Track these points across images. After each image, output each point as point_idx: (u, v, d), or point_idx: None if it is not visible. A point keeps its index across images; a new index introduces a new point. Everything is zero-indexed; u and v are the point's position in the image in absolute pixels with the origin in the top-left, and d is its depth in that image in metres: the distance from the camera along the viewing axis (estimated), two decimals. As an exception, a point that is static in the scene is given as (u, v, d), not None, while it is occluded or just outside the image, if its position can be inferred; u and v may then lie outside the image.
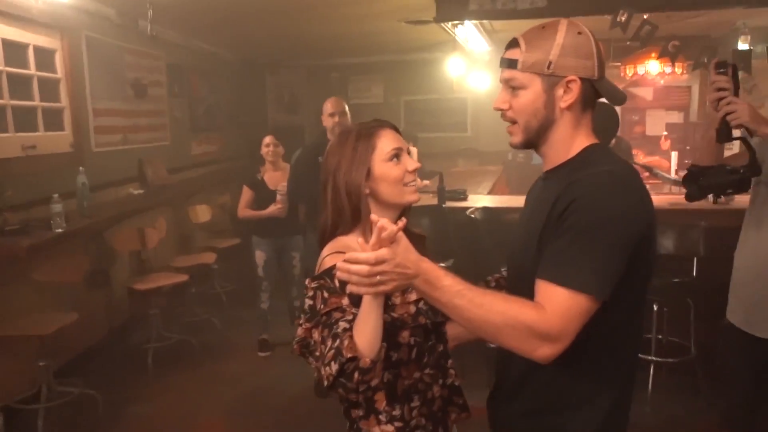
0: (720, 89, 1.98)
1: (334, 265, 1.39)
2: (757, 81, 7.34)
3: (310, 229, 4.15)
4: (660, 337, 3.81)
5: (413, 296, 1.44)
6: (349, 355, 1.23)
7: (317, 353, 1.34)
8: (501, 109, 1.39)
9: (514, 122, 1.38)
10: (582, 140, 1.36)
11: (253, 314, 5.01)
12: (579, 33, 1.31)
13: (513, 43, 1.36)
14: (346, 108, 4.02)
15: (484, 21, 5.38)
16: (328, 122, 3.95)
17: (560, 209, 1.24)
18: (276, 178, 4.56)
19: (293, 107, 8.76)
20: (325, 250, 1.49)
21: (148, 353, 4.33)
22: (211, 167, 6.91)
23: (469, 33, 5.57)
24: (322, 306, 1.36)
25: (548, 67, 1.29)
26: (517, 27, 5.61)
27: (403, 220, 1.22)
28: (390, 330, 1.36)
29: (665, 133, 6.64)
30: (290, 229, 4.56)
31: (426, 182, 5.74)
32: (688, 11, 4.12)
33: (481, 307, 1.19)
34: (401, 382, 1.45)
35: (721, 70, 1.98)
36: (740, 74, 4.50)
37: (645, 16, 4.05)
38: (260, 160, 7.35)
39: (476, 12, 4.26)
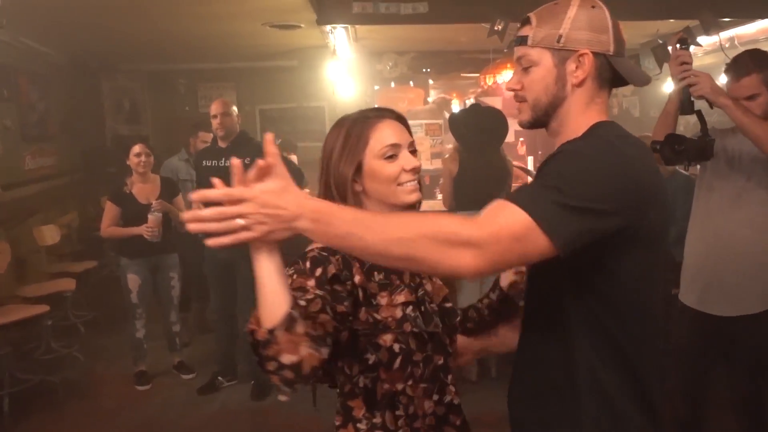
0: (683, 63, 2.12)
1: (312, 249, 1.29)
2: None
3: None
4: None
5: (401, 298, 1.33)
6: (249, 329, 1.05)
7: None
8: (514, 90, 1.33)
9: (524, 100, 1.31)
10: (593, 119, 1.29)
11: (118, 343, 4.52)
12: (593, 7, 1.26)
13: (525, 21, 1.30)
14: (233, 109, 3.96)
15: (350, 27, 5.37)
16: (213, 124, 3.92)
17: (545, 162, 1.21)
18: (146, 191, 4.13)
19: (135, 116, 8.06)
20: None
21: (2, 400, 3.67)
22: (48, 183, 6.10)
23: (339, 39, 5.51)
24: None
25: (558, 41, 1.24)
26: (382, 34, 5.67)
27: (273, 153, 1.02)
28: (371, 331, 1.27)
29: (522, 138, 7.08)
30: (165, 246, 4.13)
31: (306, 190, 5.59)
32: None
33: (386, 226, 1.04)
34: (381, 386, 1.30)
35: (683, 46, 2.12)
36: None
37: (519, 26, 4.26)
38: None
39: (359, 16, 4.20)
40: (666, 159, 2.21)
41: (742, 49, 4.12)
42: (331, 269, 1.25)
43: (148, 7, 4.61)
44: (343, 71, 6.95)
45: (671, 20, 4.70)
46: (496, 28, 4.22)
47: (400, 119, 1.41)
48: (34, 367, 4.15)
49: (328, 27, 4.61)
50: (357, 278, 1.29)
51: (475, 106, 4.04)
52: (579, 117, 1.28)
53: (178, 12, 4.86)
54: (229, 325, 4.03)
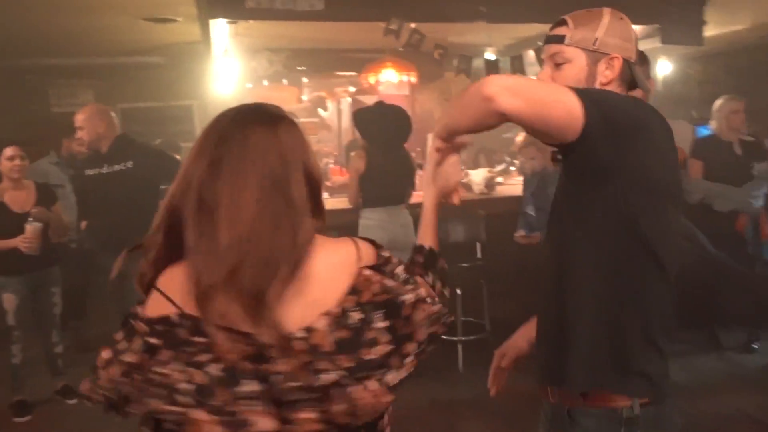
0: None
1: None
2: (454, 91, 8.51)
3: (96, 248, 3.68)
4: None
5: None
6: None
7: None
8: None
9: None
10: None
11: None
12: (621, 18, 1.41)
13: (560, 23, 1.43)
14: (104, 114, 3.71)
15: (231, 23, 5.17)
16: (78, 135, 3.69)
17: None
18: (21, 198, 3.69)
19: (-25, 117, 7.15)
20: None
21: None
22: None
23: (219, 35, 5.27)
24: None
25: (594, 43, 1.38)
26: (260, 31, 5.51)
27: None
28: None
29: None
30: (46, 259, 3.72)
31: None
32: (445, 23, 4.57)
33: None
34: None
35: None
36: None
37: (413, 26, 4.36)
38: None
39: (254, 11, 4.05)
40: None
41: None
42: None
43: None
44: (216, 69, 6.67)
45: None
46: (391, 28, 4.28)
47: None
48: None
49: (212, 22, 4.39)
50: None
51: (380, 104, 4.05)
52: None
53: (32, 3, 4.38)
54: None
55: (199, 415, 0.95)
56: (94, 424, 3.57)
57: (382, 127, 3.90)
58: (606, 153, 1.22)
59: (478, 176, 4.57)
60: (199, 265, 1.00)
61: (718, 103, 4.12)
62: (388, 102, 4.07)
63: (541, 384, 1.46)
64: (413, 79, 5.93)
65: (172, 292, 1.03)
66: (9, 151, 3.65)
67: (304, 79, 7.87)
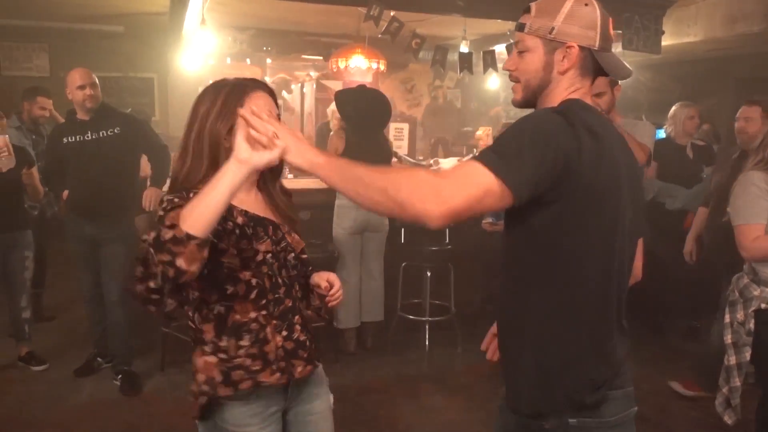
0: None
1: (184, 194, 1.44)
2: (416, 82, 8.69)
3: (74, 216, 3.59)
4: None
5: (263, 247, 1.57)
6: (168, 223, 1.26)
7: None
8: (509, 70, 1.49)
9: (518, 81, 1.46)
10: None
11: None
12: (586, 4, 1.38)
13: (526, 9, 1.43)
14: (96, 79, 3.60)
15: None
16: (77, 96, 3.50)
17: None
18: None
19: None
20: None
21: None
22: None
23: (192, 9, 5.23)
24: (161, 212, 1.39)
25: (551, 33, 1.38)
26: (229, 7, 5.48)
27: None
28: (233, 266, 1.51)
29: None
30: (16, 222, 3.69)
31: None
32: (420, 13, 4.70)
33: (375, 180, 1.28)
34: (232, 316, 1.53)
35: None
36: (461, 74, 5.21)
37: (392, 14, 4.47)
38: None
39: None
40: None
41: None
42: None
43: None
44: (182, 42, 6.57)
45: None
46: (372, 13, 4.37)
47: (272, 93, 1.64)
48: None
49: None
50: (240, 219, 1.54)
51: (362, 88, 4.14)
52: (559, 99, 1.41)
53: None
54: (101, 303, 3.69)
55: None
56: (61, 391, 3.58)
57: (362, 110, 3.99)
58: (541, 195, 1.27)
59: (447, 165, 4.74)
60: None
61: (673, 108, 4.40)
62: (369, 86, 4.17)
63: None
64: (382, 66, 6.03)
65: None
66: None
67: (268, 60, 7.84)
